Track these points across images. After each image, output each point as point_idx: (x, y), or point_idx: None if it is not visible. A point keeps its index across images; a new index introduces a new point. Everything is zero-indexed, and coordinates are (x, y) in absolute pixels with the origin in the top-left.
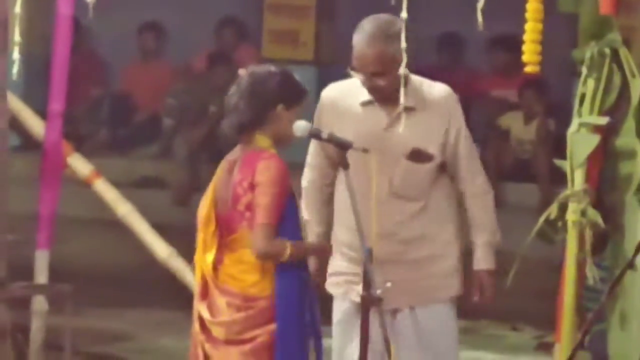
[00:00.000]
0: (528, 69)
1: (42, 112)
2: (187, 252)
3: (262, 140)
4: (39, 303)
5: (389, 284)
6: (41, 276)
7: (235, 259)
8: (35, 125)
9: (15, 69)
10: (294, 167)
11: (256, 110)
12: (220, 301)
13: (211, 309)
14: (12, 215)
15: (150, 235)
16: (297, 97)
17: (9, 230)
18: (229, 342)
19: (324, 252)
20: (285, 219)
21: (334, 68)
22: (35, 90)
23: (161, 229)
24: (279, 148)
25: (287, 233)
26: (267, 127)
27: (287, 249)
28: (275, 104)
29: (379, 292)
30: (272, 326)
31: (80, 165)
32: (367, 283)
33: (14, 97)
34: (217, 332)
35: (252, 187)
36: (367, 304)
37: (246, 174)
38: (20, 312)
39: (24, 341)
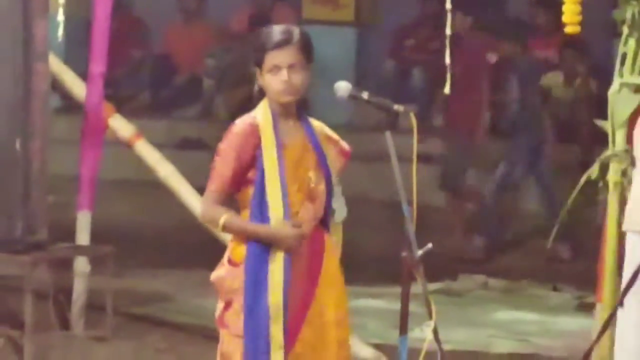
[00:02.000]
0: (568, 29)
1: (83, 74)
2: None
3: (261, 103)
4: (81, 264)
5: (430, 245)
6: (83, 238)
7: None
8: (76, 87)
9: (59, 31)
10: (336, 129)
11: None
12: None
13: None
14: (54, 177)
15: (191, 196)
16: (260, 55)
17: (50, 192)
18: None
19: (278, 235)
20: (255, 188)
21: (373, 29)
22: (76, 52)
23: (202, 190)
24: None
25: (254, 205)
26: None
27: (220, 219)
28: (255, 70)
29: (420, 252)
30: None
31: (121, 126)
32: (408, 244)
33: (55, 59)
34: None
35: None
36: (409, 266)
37: None
38: (62, 273)
39: (65, 302)
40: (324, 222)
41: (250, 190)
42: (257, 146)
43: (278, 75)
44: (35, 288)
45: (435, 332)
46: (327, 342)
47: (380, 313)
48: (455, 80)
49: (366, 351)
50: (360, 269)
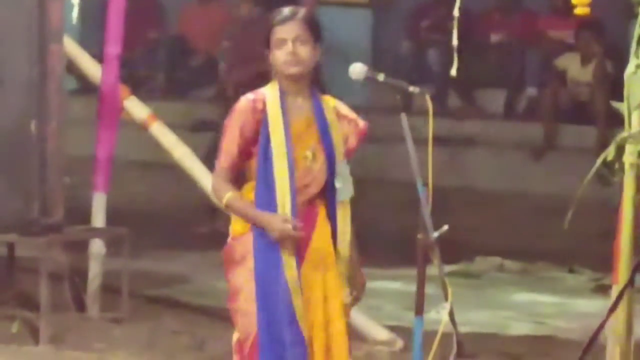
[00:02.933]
0: (578, 10)
1: (98, 56)
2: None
3: (270, 83)
4: (96, 246)
5: (445, 227)
6: (98, 219)
7: None
8: (92, 68)
9: (75, 13)
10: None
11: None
12: None
13: None
14: (70, 158)
15: (206, 177)
16: (267, 35)
17: (66, 174)
18: None
19: (268, 226)
20: (258, 163)
21: (389, 11)
22: (91, 34)
23: None
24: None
25: (260, 178)
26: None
27: (224, 198)
28: (266, 50)
29: (435, 234)
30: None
31: (136, 108)
32: (424, 226)
33: (71, 40)
34: None
35: None
36: (424, 247)
37: None
38: (78, 255)
39: (81, 284)
40: (326, 199)
41: (255, 163)
42: (261, 121)
43: (284, 49)
44: (50, 270)
45: (451, 314)
46: (313, 321)
47: (396, 295)
48: None
49: (381, 333)
50: (376, 251)
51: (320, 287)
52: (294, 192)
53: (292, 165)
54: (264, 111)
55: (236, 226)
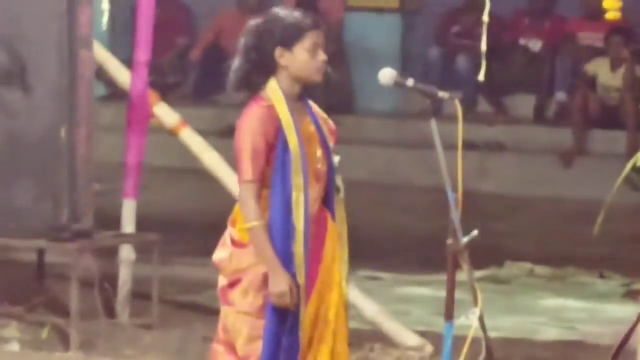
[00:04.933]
0: (609, 15)
1: (128, 62)
2: None
3: (269, 85)
4: (127, 252)
5: (475, 232)
6: (128, 225)
7: None
8: (121, 75)
9: (104, 19)
10: (381, 116)
11: (250, 64)
12: None
13: None
14: (99, 165)
15: (236, 184)
16: (294, 35)
17: (96, 180)
18: None
19: (275, 279)
20: (274, 173)
21: (418, 17)
22: (121, 40)
23: None
24: (304, 86)
25: (276, 185)
26: (278, 72)
27: (250, 223)
28: (272, 50)
29: (465, 240)
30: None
31: (166, 114)
32: (453, 231)
33: (100, 47)
34: None
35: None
36: (454, 253)
37: None
38: (108, 261)
39: (111, 290)
40: (326, 202)
41: (270, 171)
42: (278, 128)
43: (317, 55)
44: (81, 276)
45: (481, 319)
46: (328, 319)
47: (426, 300)
48: None
49: (412, 338)
50: (407, 257)
51: (336, 288)
52: (307, 196)
53: (307, 170)
54: (278, 117)
55: (242, 234)
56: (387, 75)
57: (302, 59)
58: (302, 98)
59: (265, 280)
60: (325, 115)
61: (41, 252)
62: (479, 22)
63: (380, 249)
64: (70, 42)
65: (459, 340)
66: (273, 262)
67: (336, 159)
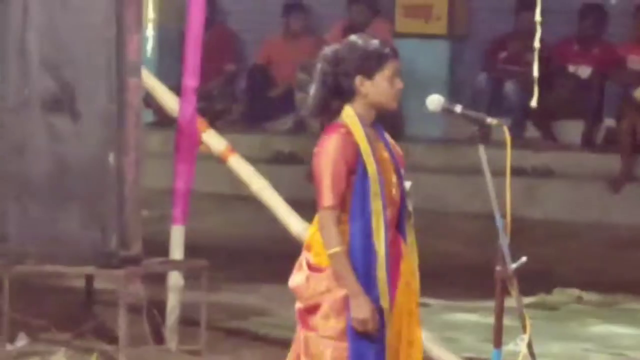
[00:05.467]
0: None
1: (176, 88)
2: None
3: (345, 111)
4: (175, 278)
5: (524, 259)
6: (177, 252)
7: None
8: (169, 101)
9: (149, 46)
10: (429, 142)
11: (326, 89)
12: None
13: None
14: (148, 191)
15: (285, 210)
16: (374, 64)
17: (144, 206)
18: None
19: (359, 306)
20: (353, 198)
21: (466, 43)
22: (168, 67)
23: (295, 204)
24: (378, 115)
25: (355, 210)
26: (355, 99)
27: (331, 249)
28: (351, 78)
29: (513, 266)
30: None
31: (214, 141)
32: (502, 258)
33: (148, 73)
34: None
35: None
36: (502, 279)
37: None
38: (156, 287)
39: (159, 317)
40: (398, 227)
41: (349, 196)
42: (356, 153)
43: (395, 83)
44: (129, 302)
45: (529, 346)
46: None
47: (474, 327)
48: None
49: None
50: (455, 283)
51: (407, 314)
52: (386, 221)
53: (385, 196)
54: (356, 143)
55: (319, 258)
56: (435, 101)
57: (382, 87)
58: (375, 124)
59: (344, 303)
60: (393, 141)
61: (89, 278)
62: (527, 48)
63: (428, 275)
64: (118, 69)
65: None
66: (355, 287)
67: (407, 184)
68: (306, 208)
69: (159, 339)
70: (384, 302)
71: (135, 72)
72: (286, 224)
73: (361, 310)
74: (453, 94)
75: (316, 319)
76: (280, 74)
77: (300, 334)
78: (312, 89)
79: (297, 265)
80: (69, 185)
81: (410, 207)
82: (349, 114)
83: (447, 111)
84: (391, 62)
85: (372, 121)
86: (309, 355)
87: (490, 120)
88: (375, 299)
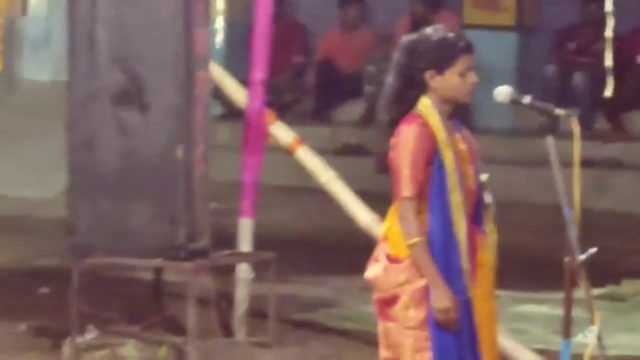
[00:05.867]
0: None
1: (244, 81)
2: None
3: (422, 102)
4: (243, 271)
5: (593, 250)
6: (245, 244)
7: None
8: (237, 94)
9: (218, 39)
10: (497, 134)
11: (401, 81)
12: None
13: None
14: (216, 184)
15: (353, 202)
16: (446, 59)
17: (212, 199)
18: None
19: (440, 297)
20: (431, 189)
21: (535, 34)
22: (237, 59)
23: (363, 196)
24: (452, 108)
25: (435, 203)
26: (429, 91)
27: (411, 239)
28: (422, 72)
29: (582, 257)
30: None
31: (282, 133)
32: (570, 249)
33: (217, 66)
34: None
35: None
36: (571, 270)
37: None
38: (225, 280)
39: (228, 309)
40: (474, 219)
41: (427, 187)
42: (433, 145)
43: (468, 78)
44: (198, 294)
45: (598, 337)
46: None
47: (543, 318)
48: None
49: (529, 356)
50: (524, 274)
51: (487, 303)
52: (466, 213)
53: (463, 187)
54: (433, 135)
55: (397, 250)
56: (503, 92)
57: (453, 82)
58: (451, 116)
59: (423, 294)
60: (469, 134)
61: (158, 271)
62: (596, 39)
63: (497, 266)
64: (186, 62)
65: (577, 359)
66: (436, 277)
67: (484, 177)
68: (374, 200)
69: (227, 331)
70: (471, 292)
71: (203, 65)
72: (354, 215)
73: (442, 300)
74: (521, 85)
75: (395, 310)
76: (343, 67)
77: (379, 325)
78: (388, 80)
79: (373, 257)
80: (137, 179)
81: (488, 199)
82: (426, 105)
83: (515, 102)
84: (463, 57)
85: (449, 113)
86: (390, 346)
87: (558, 111)
88: (456, 291)
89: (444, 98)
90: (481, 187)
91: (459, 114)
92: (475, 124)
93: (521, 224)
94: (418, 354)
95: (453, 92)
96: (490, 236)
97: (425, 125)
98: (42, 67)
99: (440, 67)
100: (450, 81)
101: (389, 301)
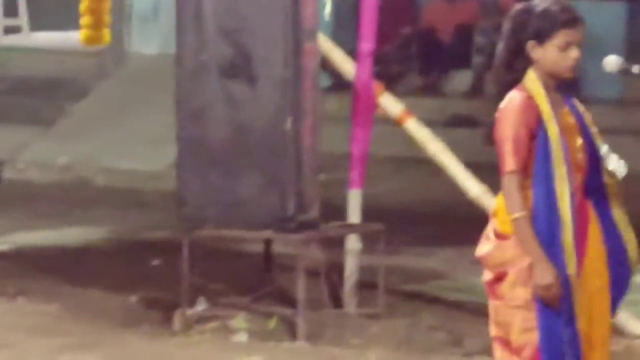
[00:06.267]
0: None
1: (352, 52)
2: (498, 190)
3: (528, 75)
4: (352, 242)
5: None
6: (354, 215)
7: None
8: (345, 65)
9: (326, 10)
10: (606, 104)
11: (508, 50)
12: None
13: None
14: (325, 155)
15: (462, 173)
16: (545, 31)
17: (321, 170)
18: None
19: (542, 272)
20: (536, 163)
21: None
22: (345, 31)
23: (472, 167)
24: (557, 81)
25: (539, 179)
26: (534, 64)
27: (515, 214)
28: (525, 42)
29: None
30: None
31: (391, 104)
32: None
33: (324, 37)
34: None
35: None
36: None
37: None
38: (334, 251)
39: (337, 280)
40: (587, 192)
41: (531, 161)
42: (538, 118)
43: (569, 52)
44: (307, 266)
45: None
46: (591, 309)
47: None
48: None
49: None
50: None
51: (598, 278)
52: (572, 186)
53: (569, 160)
54: (537, 108)
55: (504, 226)
56: (612, 62)
57: (551, 55)
58: (559, 89)
59: (530, 272)
60: (583, 107)
61: (268, 243)
62: None
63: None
64: (294, 34)
65: None
66: (538, 253)
67: (604, 148)
68: (483, 171)
69: (337, 302)
70: (571, 269)
71: (311, 37)
72: (463, 187)
73: (544, 275)
74: (630, 55)
75: (503, 288)
76: (446, 36)
77: (490, 303)
78: (497, 50)
79: (484, 233)
80: (246, 151)
81: (610, 167)
82: (531, 78)
83: (624, 72)
84: (564, 31)
85: (555, 85)
86: (499, 324)
87: None
88: (560, 266)
89: (546, 71)
90: (596, 160)
91: (567, 85)
92: (584, 94)
93: (629, 195)
94: (525, 335)
95: (553, 66)
96: (615, 211)
97: (529, 98)
98: (150, 41)
99: (541, 38)
100: (549, 54)
101: (497, 279)
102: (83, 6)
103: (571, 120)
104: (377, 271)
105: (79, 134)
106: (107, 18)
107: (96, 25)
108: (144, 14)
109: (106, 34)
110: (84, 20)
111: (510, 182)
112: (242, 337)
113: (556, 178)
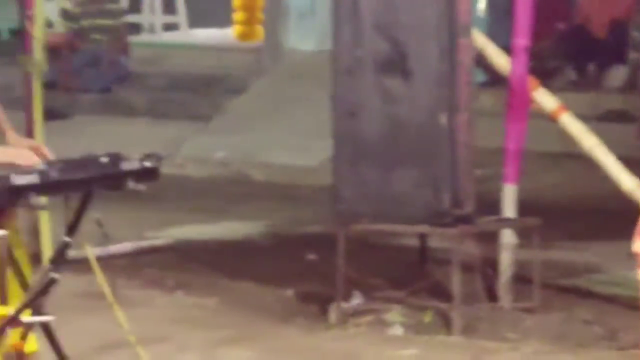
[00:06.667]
0: None
1: (506, 48)
2: None
3: None
4: (508, 237)
5: None
6: (509, 210)
7: None
8: (500, 60)
9: (481, 6)
10: None
11: None
12: None
13: None
14: (480, 150)
15: (616, 167)
16: None
17: (477, 165)
18: None
19: None
20: None
21: None
22: (499, 26)
23: (625, 162)
24: None
25: None
26: None
27: None
28: None
29: None
30: None
31: (545, 99)
32: None
33: (479, 33)
34: None
35: None
36: None
37: None
38: (489, 246)
39: (492, 274)
40: None
41: None
42: None
43: None
44: (462, 260)
45: None
46: None
47: None
48: None
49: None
50: None
51: None
52: None
53: None
54: None
55: None
56: None
57: None
58: None
59: None
60: None
61: (423, 237)
62: None
63: None
64: (449, 29)
65: None
66: None
67: None
68: (636, 166)
69: (492, 296)
70: None
71: (465, 32)
72: (618, 181)
73: None
74: None
75: None
76: (600, 31)
77: None
78: None
79: (637, 228)
80: (401, 146)
81: None
82: None
83: None
84: None
85: None
86: None
87: None
88: None
89: None
90: None
91: None
92: None
93: None
94: None
95: None
96: None
97: None
98: (307, 37)
99: None
100: None
101: None
102: (237, 2)
103: None
104: (532, 266)
105: (236, 129)
106: (260, 14)
107: (249, 21)
108: (301, 10)
109: (259, 30)
110: (237, 16)
111: None
112: (397, 331)
113: None
